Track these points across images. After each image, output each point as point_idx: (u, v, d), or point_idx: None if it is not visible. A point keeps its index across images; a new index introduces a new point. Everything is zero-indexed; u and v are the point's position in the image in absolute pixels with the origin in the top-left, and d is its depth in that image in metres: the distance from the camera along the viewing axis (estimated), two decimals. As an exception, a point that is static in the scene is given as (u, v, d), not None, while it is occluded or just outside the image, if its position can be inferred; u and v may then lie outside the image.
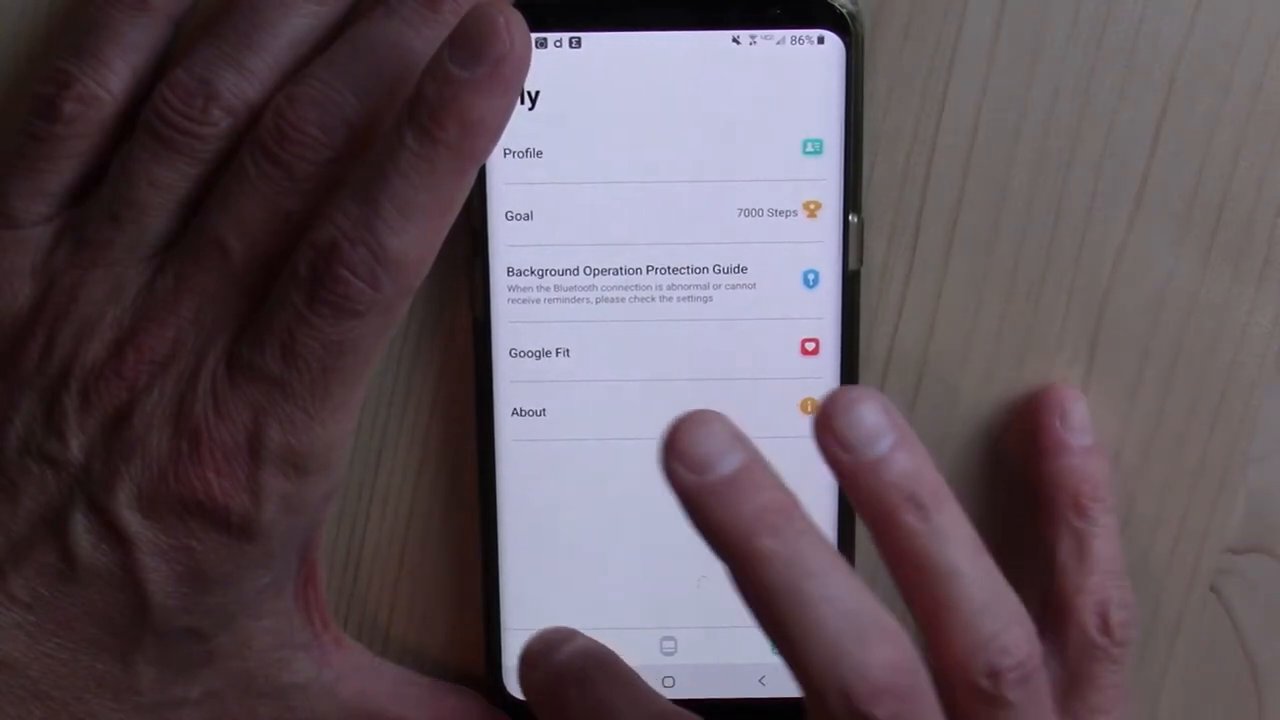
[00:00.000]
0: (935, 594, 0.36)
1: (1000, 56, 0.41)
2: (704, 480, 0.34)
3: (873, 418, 0.35)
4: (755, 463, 0.34)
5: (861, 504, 0.36)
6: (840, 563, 0.35)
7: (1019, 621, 0.36)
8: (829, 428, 0.35)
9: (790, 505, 0.35)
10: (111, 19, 0.39)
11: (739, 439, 0.34)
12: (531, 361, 0.41)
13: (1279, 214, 0.41)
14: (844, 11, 0.39)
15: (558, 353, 0.41)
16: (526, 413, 0.41)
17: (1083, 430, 0.42)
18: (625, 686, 0.39)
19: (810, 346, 0.41)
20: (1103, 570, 0.41)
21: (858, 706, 0.34)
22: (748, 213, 0.40)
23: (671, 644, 0.43)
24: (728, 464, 0.34)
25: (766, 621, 0.35)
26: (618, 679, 0.39)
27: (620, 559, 0.42)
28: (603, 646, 0.40)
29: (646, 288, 0.41)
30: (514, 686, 0.43)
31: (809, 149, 0.40)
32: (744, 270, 0.41)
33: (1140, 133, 0.41)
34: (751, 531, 0.34)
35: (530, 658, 0.40)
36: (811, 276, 0.41)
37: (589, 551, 0.42)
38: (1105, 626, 0.40)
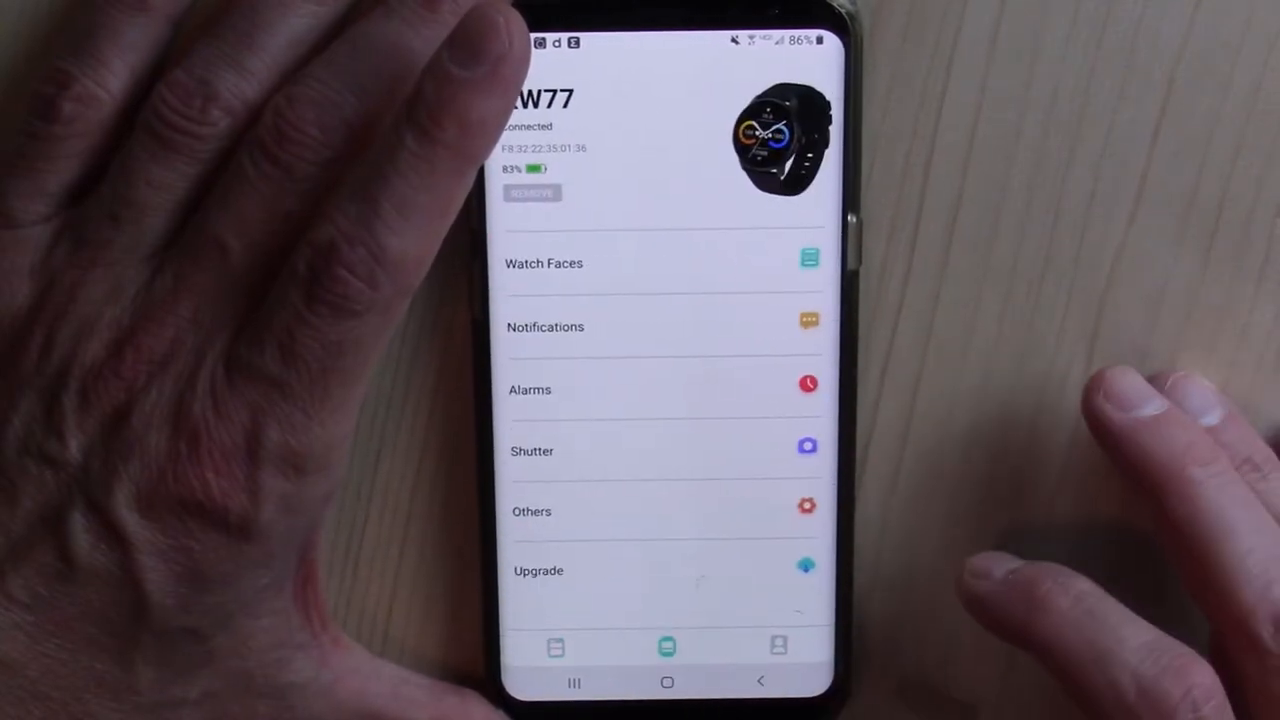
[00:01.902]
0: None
1: (1000, 56, 0.41)
2: (1135, 416, 0.39)
3: (1206, 391, 0.41)
4: (1176, 410, 0.39)
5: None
6: (1260, 503, 0.38)
7: None
8: (1105, 395, 0.40)
9: (1214, 446, 0.39)
10: (111, 19, 0.39)
11: (1156, 391, 0.40)
12: (531, 363, 0.41)
13: (1279, 214, 0.41)
14: (843, 11, 0.39)
15: (557, 354, 0.41)
16: (525, 414, 0.41)
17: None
18: (1104, 595, 0.39)
19: (811, 345, 0.41)
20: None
21: None
22: (747, 199, 0.40)
23: (671, 644, 0.43)
24: (1155, 405, 0.39)
25: (1193, 551, 0.38)
26: (1095, 586, 0.39)
27: (620, 559, 0.42)
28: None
29: (646, 282, 0.41)
30: (514, 686, 0.43)
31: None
32: (744, 264, 0.41)
33: (1140, 133, 0.41)
34: (1186, 460, 0.38)
35: (979, 570, 0.40)
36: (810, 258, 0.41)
37: (589, 551, 0.42)
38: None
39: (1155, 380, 0.41)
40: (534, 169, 0.40)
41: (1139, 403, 0.39)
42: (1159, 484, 0.39)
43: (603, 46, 0.40)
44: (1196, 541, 0.38)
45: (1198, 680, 0.37)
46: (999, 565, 0.40)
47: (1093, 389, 0.39)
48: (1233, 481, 0.39)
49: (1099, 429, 0.40)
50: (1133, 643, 0.38)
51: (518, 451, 0.42)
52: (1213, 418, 0.41)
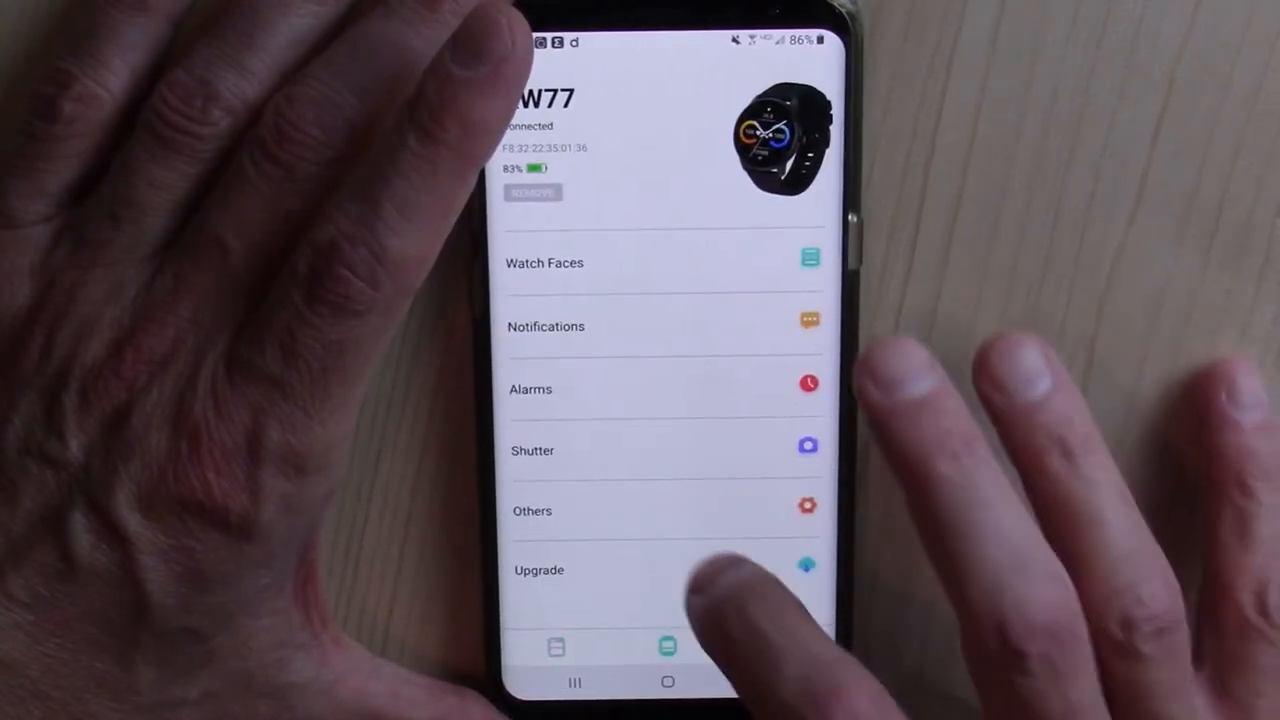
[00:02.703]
0: (1077, 540, 0.36)
1: (1000, 56, 0.41)
2: (893, 400, 0.36)
3: (1031, 361, 0.37)
4: (944, 390, 0.36)
5: (1013, 447, 0.37)
6: (1014, 499, 0.36)
7: (1160, 575, 0.37)
8: (987, 370, 0.37)
9: (972, 435, 0.36)
10: (111, 19, 0.39)
11: (932, 366, 0.36)
12: (531, 363, 0.41)
13: (1279, 214, 0.41)
14: (844, 11, 0.39)
15: (557, 354, 0.41)
16: (526, 414, 0.41)
17: (1253, 406, 0.40)
18: (782, 617, 0.37)
19: (811, 352, 0.41)
20: (1265, 551, 0.40)
21: (1012, 641, 0.35)
22: (748, 199, 0.40)
23: (671, 644, 0.43)
24: (918, 387, 0.36)
25: (933, 548, 0.36)
26: (776, 608, 0.37)
27: (620, 559, 0.42)
28: (766, 573, 0.38)
29: (646, 282, 0.41)
30: (514, 686, 0.43)
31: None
32: (744, 264, 0.41)
33: (1140, 133, 0.41)
34: (931, 455, 0.36)
35: (695, 584, 0.38)
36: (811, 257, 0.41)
37: (589, 551, 0.42)
38: (1263, 608, 0.39)
39: (981, 344, 0.38)
40: (534, 169, 0.40)
41: (903, 382, 0.36)
42: (903, 475, 0.36)
43: (603, 46, 0.40)
44: (934, 538, 0.36)
45: (843, 709, 0.35)
46: (712, 578, 0.37)
47: (858, 364, 0.36)
48: (982, 477, 0.36)
49: (862, 409, 0.37)
50: (786, 673, 0.35)
51: (518, 451, 0.42)
52: (1036, 391, 0.37)
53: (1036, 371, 0.37)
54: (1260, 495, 0.40)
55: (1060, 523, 0.37)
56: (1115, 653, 0.36)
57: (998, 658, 0.35)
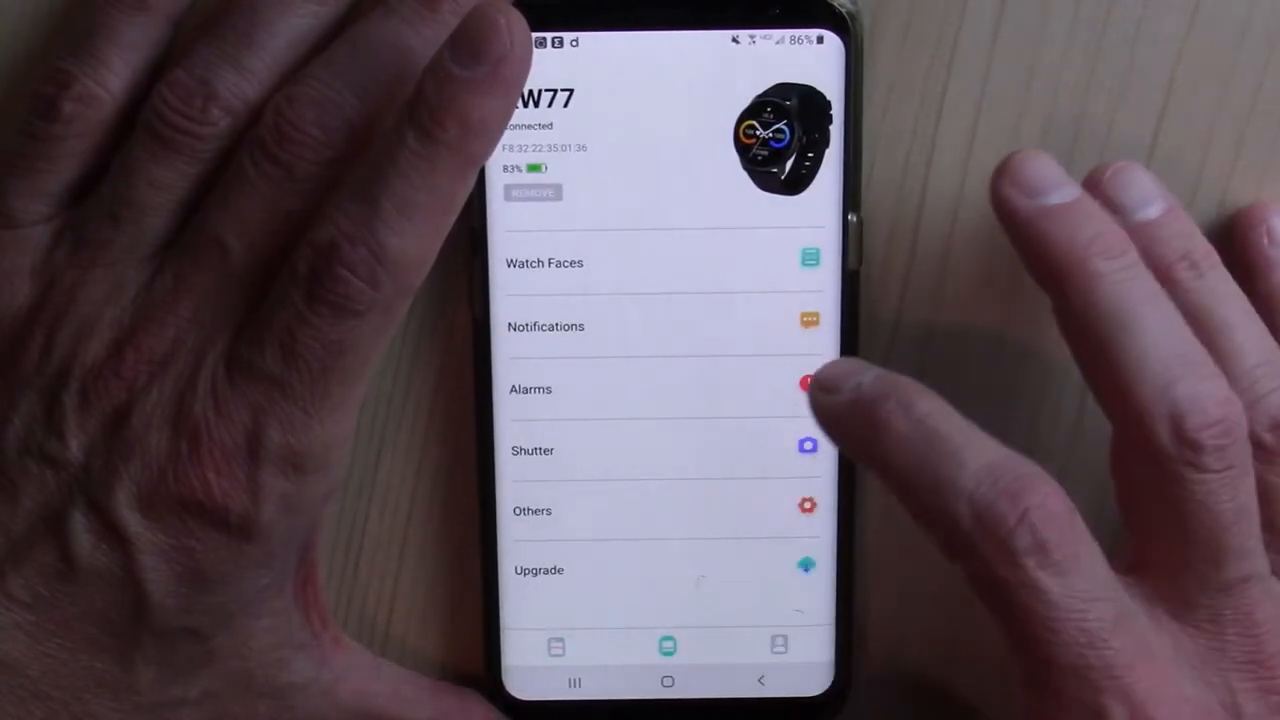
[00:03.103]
0: (1215, 348, 0.36)
1: (1000, 56, 0.41)
2: (1041, 204, 0.35)
3: (1146, 182, 0.38)
4: (1088, 198, 0.36)
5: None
6: (1171, 302, 0.36)
7: None
8: (1102, 191, 0.38)
9: (1124, 239, 0.36)
10: (111, 19, 0.39)
11: (1071, 179, 0.36)
12: (531, 363, 0.41)
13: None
14: (844, 11, 0.39)
15: (557, 354, 0.41)
16: (526, 414, 0.41)
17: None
18: (953, 417, 0.36)
19: (809, 353, 0.41)
20: None
21: (1188, 432, 0.34)
22: (748, 199, 0.40)
23: (672, 643, 0.43)
24: (1064, 193, 0.36)
25: (1095, 347, 0.36)
26: (945, 408, 0.36)
27: (620, 558, 0.42)
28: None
29: (646, 282, 0.41)
30: (514, 686, 0.43)
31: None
32: (744, 264, 0.41)
33: (1140, 132, 0.41)
34: (1090, 253, 0.35)
35: (827, 384, 0.36)
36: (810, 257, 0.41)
37: (589, 551, 0.42)
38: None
39: (1092, 171, 0.39)
40: (534, 168, 0.40)
41: (1048, 189, 0.36)
42: (1059, 275, 0.36)
43: (603, 46, 0.40)
44: (1095, 335, 0.36)
45: (1036, 502, 0.34)
46: (848, 378, 0.36)
47: (999, 173, 0.36)
48: (1140, 276, 0.36)
49: (1004, 216, 0.37)
50: (972, 465, 0.34)
51: (518, 451, 0.42)
52: (1152, 210, 0.38)
53: (1153, 192, 0.38)
54: None
55: (1195, 331, 0.37)
56: (1261, 457, 0.36)
57: (1171, 453, 0.35)
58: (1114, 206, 0.38)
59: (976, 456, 0.34)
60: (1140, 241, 0.37)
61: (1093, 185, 0.38)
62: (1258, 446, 0.36)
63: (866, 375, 0.36)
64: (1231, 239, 0.41)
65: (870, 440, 0.35)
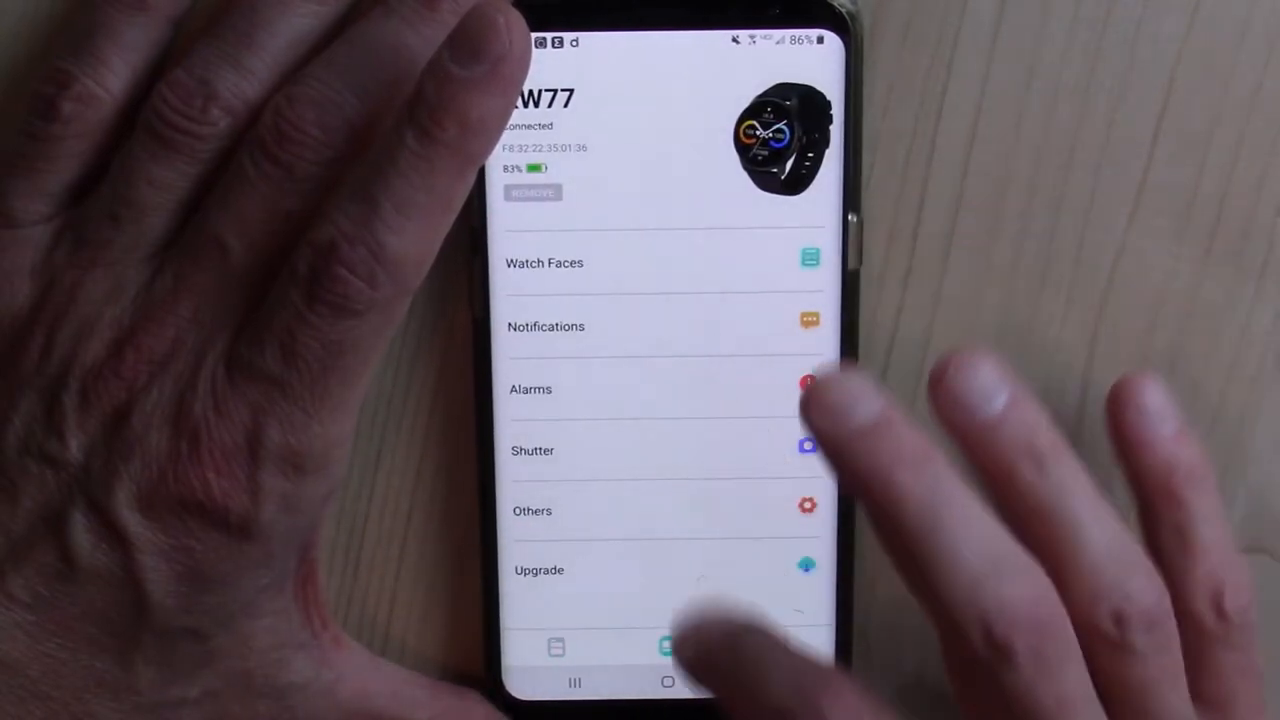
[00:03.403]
0: (1057, 544, 0.36)
1: (1000, 56, 0.41)
2: (844, 427, 0.35)
3: (987, 377, 0.36)
4: (892, 411, 0.35)
5: (980, 463, 0.37)
6: (978, 501, 0.35)
7: (1144, 569, 0.36)
8: (944, 390, 0.36)
9: (928, 446, 0.35)
10: (111, 19, 0.39)
11: (876, 390, 0.35)
12: (531, 363, 0.41)
13: (1279, 214, 0.41)
14: (844, 11, 0.39)
15: (558, 353, 0.41)
16: (526, 414, 0.41)
17: (1161, 417, 0.39)
18: (765, 637, 0.36)
19: (809, 352, 0.41)
20: (1210, 557, 0.39)
21: (997, 637, 0.34)
22: (748, 199, 0.40)
23: (671, 644, 0.43)
24: (867, 410, 0.35)
25: (903, 558, 0.35)
26: (758, 631, 0.36)
27: (620, 558, 0.42)
28: (748, 610, 0.37)
29: (646, 282, 0.41)
30: (514, 686, 0.43)
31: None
32: (744, 264, 0.41)
33: (1140, 133, 0.41)
34: (890, 467, 0.35)
35: (679, 626, 0.37)
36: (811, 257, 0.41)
37: (589, 551, 0.42)
38: (1220, 612, 0.38)
39: (935, 369, 0.37)
40: (534, 168, 0.40)
41: (851, 408, 0.35)
42: (864, 497, 0.35)
43: (603, 46, 0.40)
44: (902, 549, 0.35)
45: (836, 699, 0.35)
46: (698, 617, 0.37)
47: (801, 403, 0.35)
48: (942, 483, 0.35)
49: (816, 443, 0.36)
50: (774, 678, 0.35)
51: (518, 451, 0.42)
52: (996, 405, 0.37)
53: (994, 386, 0.37)
54: (1192, 504, 0.39)
55: (1038, 530, 0.36)
56: (1107, 650, 0.36)
57: (983, 657, 0.35)
58: (957, 405, 0.37)
59: (781, 669, 0.35)
60: (984, 438, 0.37)
61: (934, 383, 0.37)
62: (1099, 638, 0.36)
63: (707, 613, 0.36)
64: (1105, 417, 0.40)
65: (702, 672, 0.36)
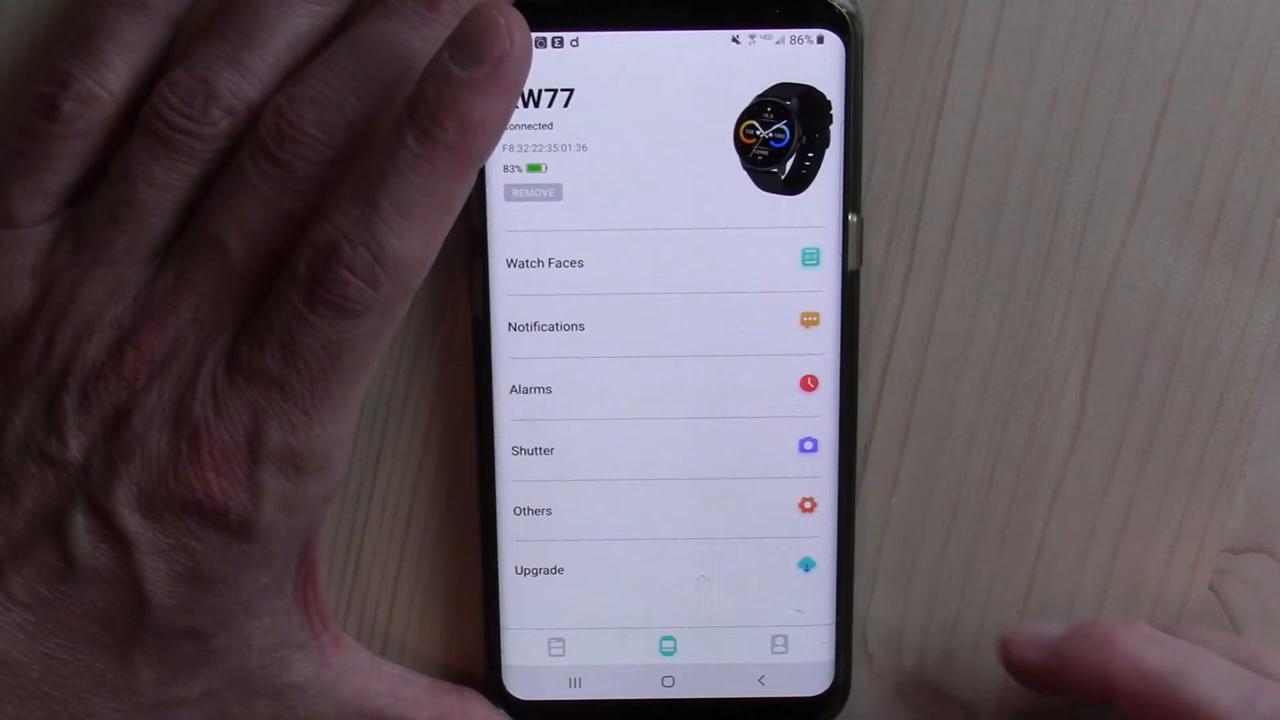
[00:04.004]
0: None
1: (1000, 56, 0.41)
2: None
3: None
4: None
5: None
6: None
7: None
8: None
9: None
10: (111, 18, 0.39)
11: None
12: (531, 363, 0.41)
13: (1279, 214, 0.41)
14: (844, 11, 0.39)
15: (558, 353, 0.41)
16: (526, 414, 0.41)
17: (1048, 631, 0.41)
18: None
19: (811, 352, 0.41)
20: None
21: None
22: (748, 199, 0.40)
23: (671, 644, 0.43)
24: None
25: None
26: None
27: (620, 558, 0.42)
28: None
29: (646, 282, 0.41)
30: (514, 686, 0.43)
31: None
32: (745, 264, 0.41)
33: (1140, 133, 0.41)
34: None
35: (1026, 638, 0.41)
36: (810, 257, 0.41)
37: (589, 550, 0.42)
38: None
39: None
40: (534, 168, 0.40)
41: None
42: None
43: (603, 46, 0.40)
44: None
45: None
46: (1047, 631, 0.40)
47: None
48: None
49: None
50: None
51: (518, 451, 0.42)
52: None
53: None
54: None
55: None
56: None
57: None
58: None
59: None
60: None
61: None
62: None
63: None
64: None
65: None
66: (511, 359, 0.41)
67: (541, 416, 0.41)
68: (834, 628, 0.42)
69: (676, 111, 0.40)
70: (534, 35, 0.36)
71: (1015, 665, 0.41)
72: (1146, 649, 0.39)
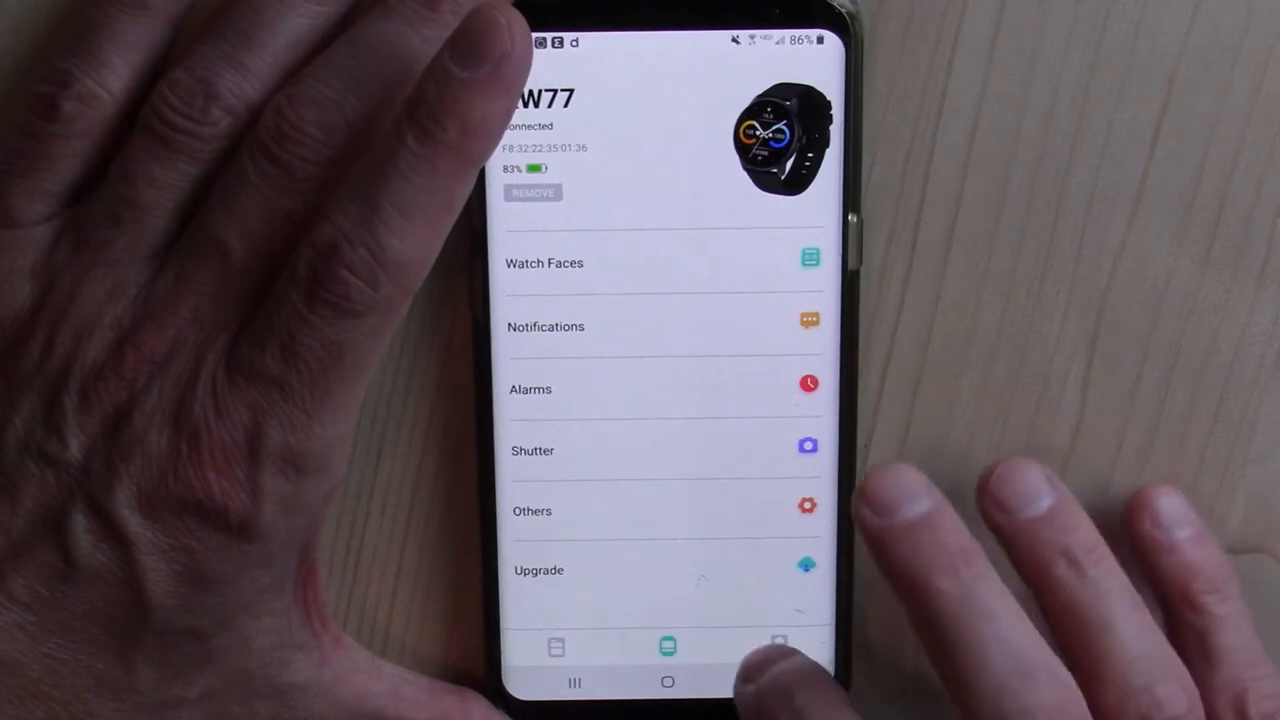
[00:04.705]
0: (1089, 646, 0.38)
1: (1000, 56, 0.41)
2: (889, 522, 0.37)
3: (1032, 480, 0.39)
4: (941, 510, 0.37)
5: (1021, 563, 0.39)
6: (1016, 608, 0.37)
7: (1176, 676, 0.38)
8: (990, 493, 0.39)
9: (971, 549, 0.37)
10: (111, 18, 0.39)
11: (928, 489, 0.37)
12: (531, 363, 0.41)
13: (1279, 214, 0.41)
14: (844, 11, 0.39)
15: (557, 354, 0.41)
16: (526, 414, 0.41)
17: (1177, 524, 0.41)
18: (827, 705, 0.38)
19: (811, 352, 0.41)
20: (1231, 662, 0.40)
21: None
22: (748, 199, 0.40)
23: (671, 644, 0.43)
24: (915, 508, 0.37)
25: (938, 661, 0.37)
26: (821, 697, 0.38)
27: (620, 558, 0.42)
28: (815, 664, 0.40)
29: (646, 282, 0.41)
30: (514, 686, 0.43)
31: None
32: (745, 264, 0.41)
33: (1140, 132, 0.41)
34: (930, 571, 0.37)
35: (745, 672, 0.40)
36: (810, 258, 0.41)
37: (589, 551, 0.42)
38: (1244, 718, 0.39)
39: (984, 473, 0.40)
40: (534, 169, 0.40)
41: (899, 506, 0.37)
42: (902, 592, 0.37)
43: (603, 46, 0.40)
44: (936, 650, 0.37)
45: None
46: (764, 666, 0.39)
47: (856, 493, 0.38)
48: (981, 591, 0.37)
49: (860, 533, 0.38)
50: None
51: (518, 451, 0.42)
52: (1038, 507, 0.39)
53: (1038, 489, 0.39)
54: (1212, 608, 0.40)
55: (1072, 631, 0.38)
56: None
57: None
58: (1001, 505, 0.39)
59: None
60: (1024, 538, 0.39)
61: (983, 485, 0.39)
62: None
63: (777, 665, 0.39)
64: (1125, 526, 0.42)
65: None
66: (511, 359, 0.41)
67: (541, 416, 0.41)
68: (834, 628, 0.42)
69: (676, 111, 0.40)
70: (534, 35, 0.36)
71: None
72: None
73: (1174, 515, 0.41)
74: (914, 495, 0.37)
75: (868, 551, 0.38)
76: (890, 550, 0.37)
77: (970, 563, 0.37)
